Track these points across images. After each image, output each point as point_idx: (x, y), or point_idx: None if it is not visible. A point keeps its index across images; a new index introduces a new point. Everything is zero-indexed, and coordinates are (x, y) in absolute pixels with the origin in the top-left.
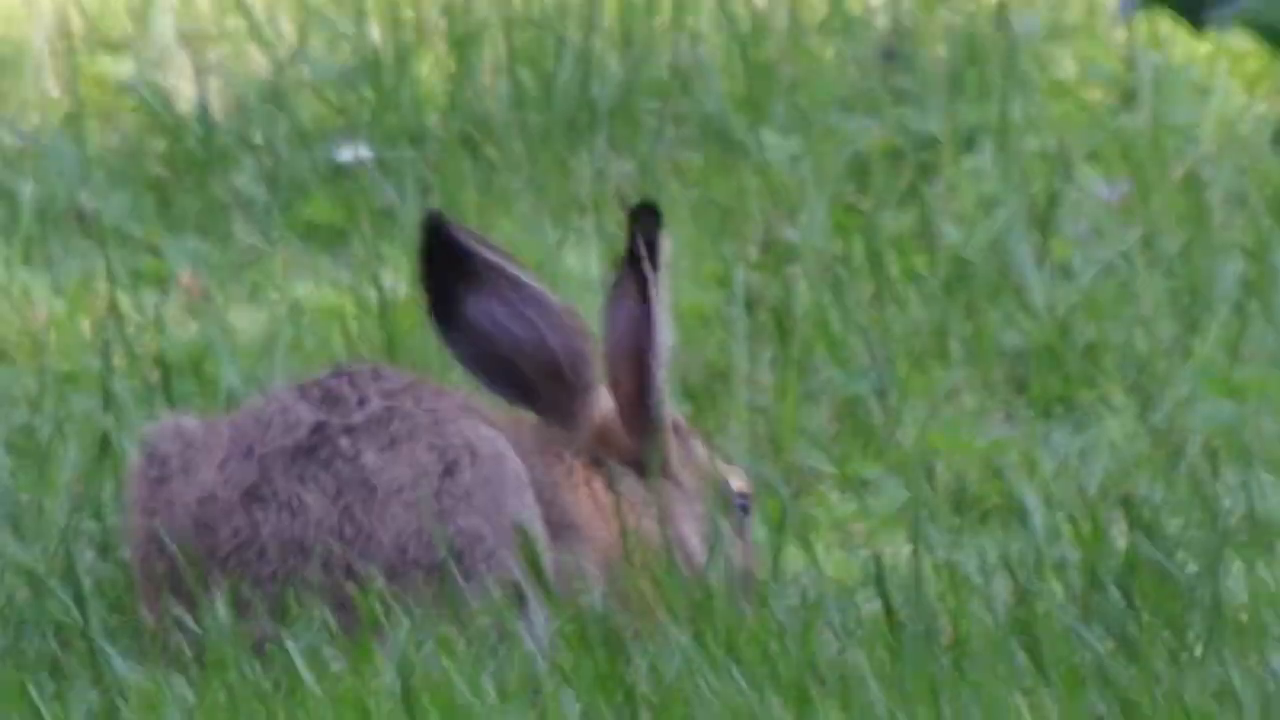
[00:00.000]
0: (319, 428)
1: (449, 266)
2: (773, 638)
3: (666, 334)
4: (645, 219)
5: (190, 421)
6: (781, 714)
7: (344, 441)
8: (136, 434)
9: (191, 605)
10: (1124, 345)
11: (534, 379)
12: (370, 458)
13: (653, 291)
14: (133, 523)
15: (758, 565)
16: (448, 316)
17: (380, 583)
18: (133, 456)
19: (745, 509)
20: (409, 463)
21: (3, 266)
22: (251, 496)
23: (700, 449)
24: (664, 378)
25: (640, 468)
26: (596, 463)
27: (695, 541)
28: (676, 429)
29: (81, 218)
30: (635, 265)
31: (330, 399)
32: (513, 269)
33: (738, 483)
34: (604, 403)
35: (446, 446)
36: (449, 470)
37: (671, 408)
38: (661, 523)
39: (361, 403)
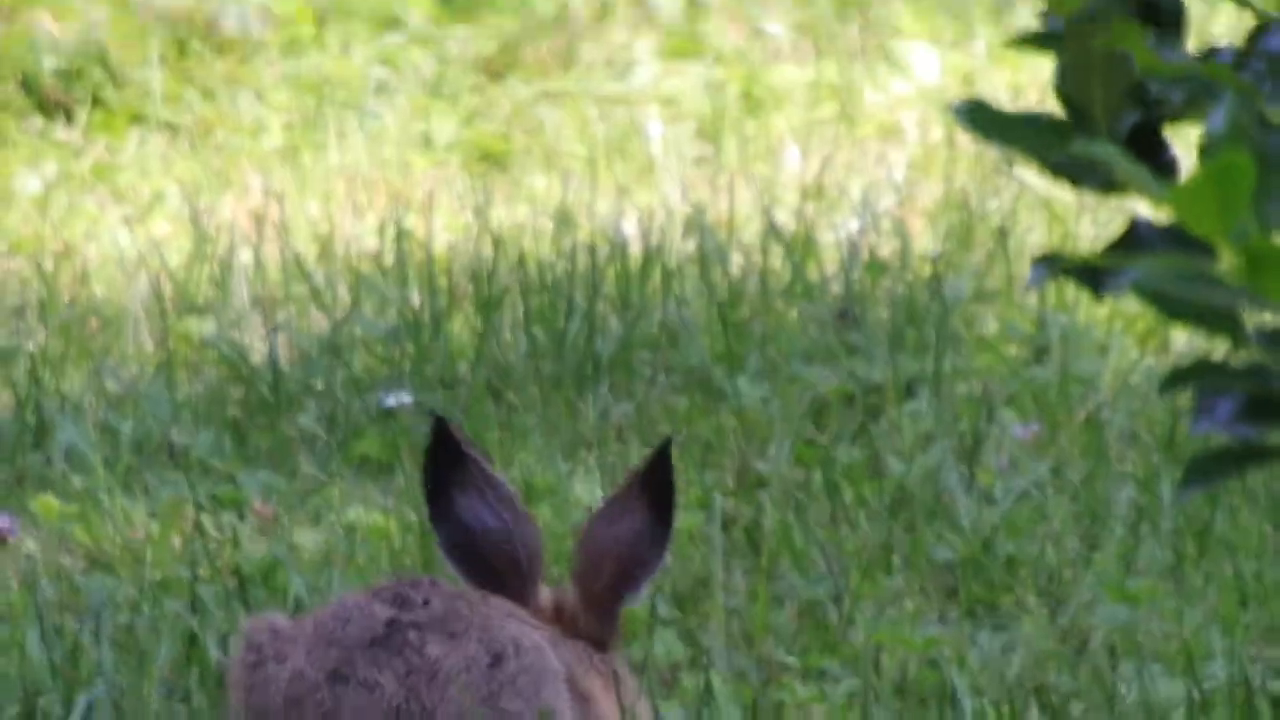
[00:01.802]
0: (392, 622)
1: (447, 466)
2: None
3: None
4: (668, 456)
5: (280, 619)
6: None
7: (413, 634)
8: (219, 632)
9: None
10: (1037, 558)
11: (498, 567)
12: (433, 648)
13: (672, 517)
14: (234, 701)
15: None
16: (441, 508)
17: None
18: (235, 646)
19: None
20: (464, 653)
21: (106, 492)
22: (335, 677)
23: None
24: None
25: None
26: (600, 648)
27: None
28: None
29: (172, 452)
30: (657, 490)
31: (400, 600)
32: (493, 472)
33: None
34: (545, 593)
35: (493, 640)
36: (496, 660)
37: None
38: (622, 696)
39: (425, 603)
